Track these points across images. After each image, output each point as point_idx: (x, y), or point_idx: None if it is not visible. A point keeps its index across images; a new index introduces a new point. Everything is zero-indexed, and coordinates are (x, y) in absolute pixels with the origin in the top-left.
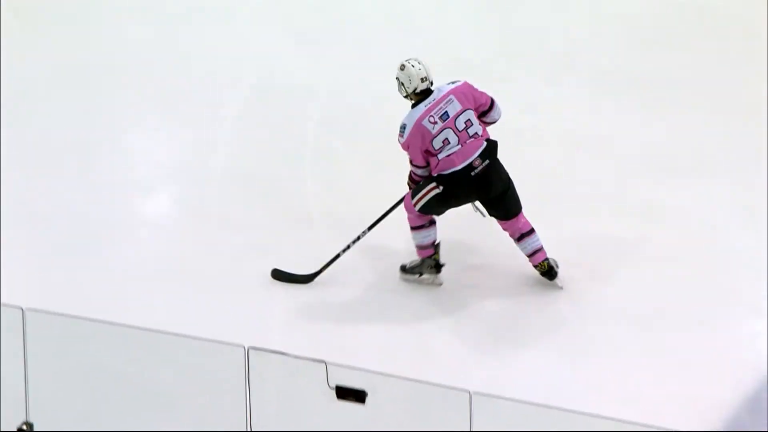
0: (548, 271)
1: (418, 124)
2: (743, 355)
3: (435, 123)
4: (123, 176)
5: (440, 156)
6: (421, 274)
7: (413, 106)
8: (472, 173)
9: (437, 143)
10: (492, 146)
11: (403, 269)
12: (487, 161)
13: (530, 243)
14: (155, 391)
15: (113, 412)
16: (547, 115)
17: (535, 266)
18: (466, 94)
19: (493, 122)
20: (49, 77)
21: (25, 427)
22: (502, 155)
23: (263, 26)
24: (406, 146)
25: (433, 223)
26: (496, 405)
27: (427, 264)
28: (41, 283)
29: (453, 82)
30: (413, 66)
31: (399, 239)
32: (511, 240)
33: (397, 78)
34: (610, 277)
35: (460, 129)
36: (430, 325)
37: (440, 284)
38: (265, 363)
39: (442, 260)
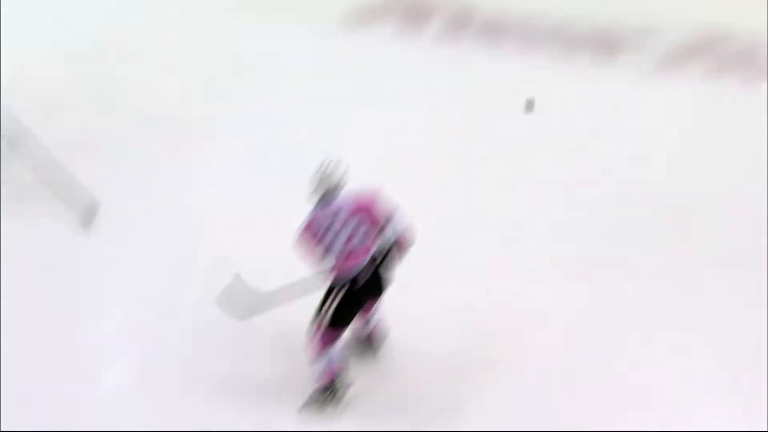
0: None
1: (307, 220)
2: None
3: (323, 220)
4: None
5: (325, 258)
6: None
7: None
8: (355, 288)
9: (319, 248)
10: (375, 272)
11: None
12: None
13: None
14: None
15: None
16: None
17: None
18: (362, 204)
19: (391, 242)
20: None
21: None
22: None
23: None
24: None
25: None
26: None
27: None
28: None
29: None
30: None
31: None
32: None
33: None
34: None
35: (343, 240)
36: None
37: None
38: None
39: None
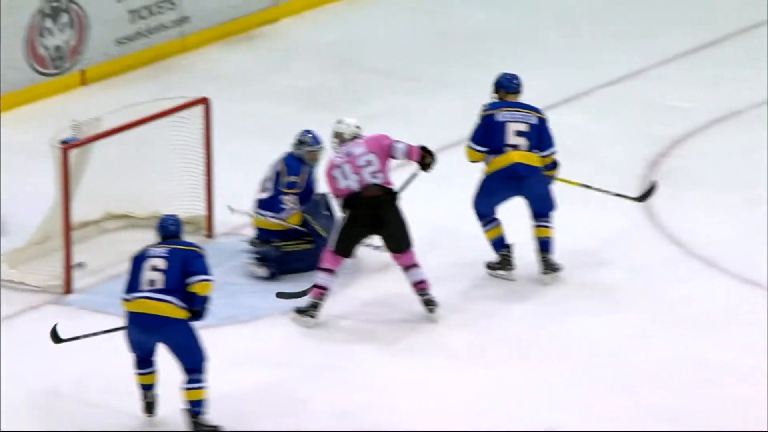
0: (427, 302)
1: (329, 159)
2: None
3: (340, 157)
4: None
5: (340, 186)
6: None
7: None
8: (363, 196)
9: (336, 173)
10: (388, 190)
11: (296, 311)
12: (378, 191)
13: (413, 274)
14: None
15: None
16: None
17: (417, 294)
18: (374, 144)
19: (403, 157)
20: None
21: None
22: None
23: None
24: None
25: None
26: None
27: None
28: None
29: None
30: (350, 119)
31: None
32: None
33: (335, 130)
34: None
35: (360, 165)
36: None
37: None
38: None
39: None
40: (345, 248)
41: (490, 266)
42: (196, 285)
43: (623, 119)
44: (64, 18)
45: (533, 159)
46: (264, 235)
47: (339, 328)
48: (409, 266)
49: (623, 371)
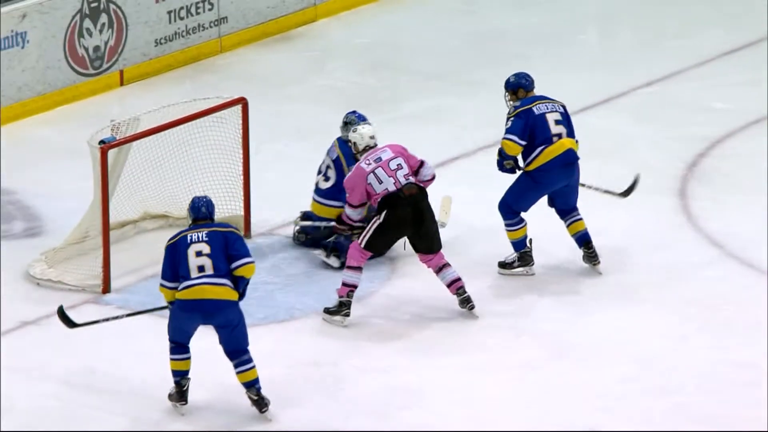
0: (465, 300)
1: (358, 167)
2: None
3: (369, 164)
4: None
5: (378, 191)
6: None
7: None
8: (404, 195)
9: (371, 179)
10: (422, 188)
11: (326, 311)
12: (416, 189)
13: (448, 274)
14: None
15: None
16: None
17: (455, 293)
18: (398, 149)
19: (425, 180)
20: None
21: None
22: None
23: None
24: (349, 186)
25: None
26: None
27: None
28: None
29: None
30: (364, 128)
31: None
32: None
33: (349, 138)
34: None
35: (392, 168)
36: None
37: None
38: None
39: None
40: (380, 247)
41: (505, 265)
42: (243, 268)
43: (660, 121)
44: (103, 18)
45: (576, 145)
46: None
47: (372, 328)
48: (442, 266)
49: (661, 373)
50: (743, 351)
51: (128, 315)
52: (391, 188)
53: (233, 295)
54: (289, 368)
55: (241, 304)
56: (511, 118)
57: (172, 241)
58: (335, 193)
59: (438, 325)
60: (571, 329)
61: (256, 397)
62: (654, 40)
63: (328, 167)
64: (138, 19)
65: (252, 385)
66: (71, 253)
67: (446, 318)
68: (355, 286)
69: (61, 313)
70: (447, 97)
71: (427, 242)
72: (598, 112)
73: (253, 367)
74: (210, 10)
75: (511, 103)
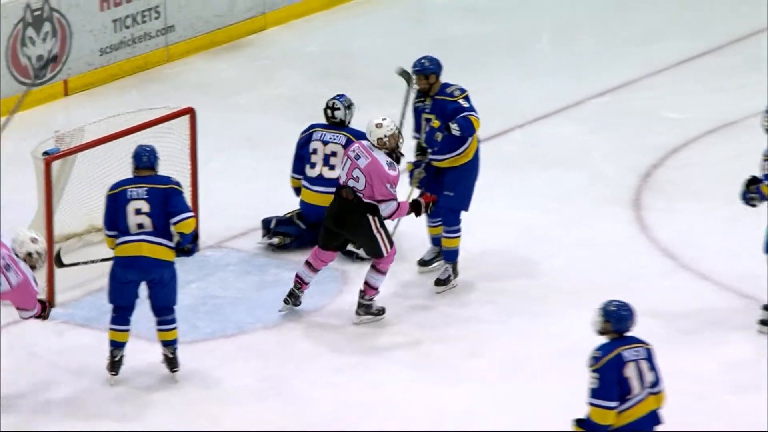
0: (364, 305)
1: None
2: None
3: (354, 154)
4: None
5: (341, 174)
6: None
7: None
8: (340, 191)
9: (346, 163)
10: (358, 201)
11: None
12: (352, 197)
13: (372, 276)
14: None
15: None
16: None
17: (361, 294)
18: (376, 170)
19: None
20: None
21: None
22: None
23: None
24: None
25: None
26: None
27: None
28: None
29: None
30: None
31: None
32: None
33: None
34: None
35: (354, 175)
36: None
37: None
38: None
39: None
40: (320, 239)
41: (443, 282)
42: (182, 224)
43: (615, 130)
44: (47, 27)
45: None
46: (322, 213)
47: (324, 342)
48: (371, 266)
49: None
50: (696, 363)
51: (103, 260)
52: (341, 179)
53: (170, 255)
54: (238, 384)
55: (189, 317)
56: None
57: (112, 192)
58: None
59: (390, 339)
60: (524, 342)
61: (171, 356)
62: (609, 49)
63: (329, 155)
64: (83, 27)
65: (170, 344)
66: None
67: (400, 332)
68: (303, 281)
69: (57, 256)
70: (400, 107)
71: (364, 247)
72: (553, 121)
73: (175, 328)
74: (157, 18)
75: None
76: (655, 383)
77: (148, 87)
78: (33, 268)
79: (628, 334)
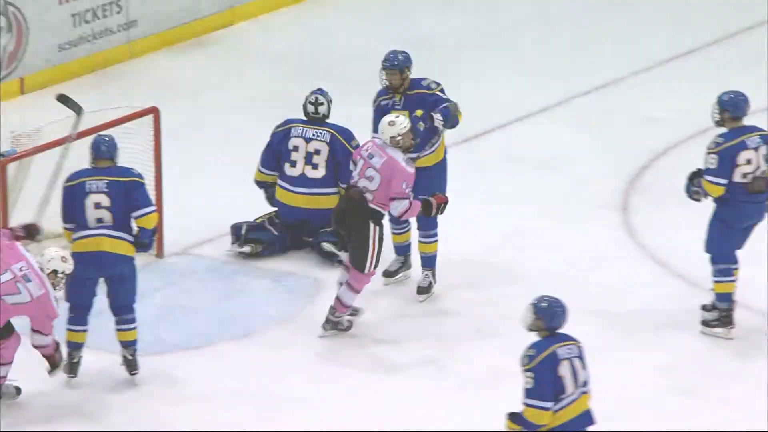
0: (332, 321)
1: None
2: None
3: (365, 152)
4: None
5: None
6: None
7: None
8: (349, 191)
9: (359, 164)
10: (368, 206)
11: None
12: (358, 197)
13: (345, 293)
14: None
15: None
16: None
17: (332, 311)
18: (391, 169)
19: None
20: None
21: None
22: None
23: None
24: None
25: None
26: None
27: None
28: None
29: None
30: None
31: None
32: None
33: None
34: None
35: (367, 175)
36: None
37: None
38: None
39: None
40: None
41: (391, 273)
42: (143, 219)
43: (600, 131)
44: (1, 22)
45: None
46: (302, 216)
47: (293, 353)
48: (344, 282)
49: (599, 399)
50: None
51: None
52: (352, 179)
53: (130, 250)
54: (205, 398)
55: (153, 328)
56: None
57: (69, 184)
58: (326, 182)
59: (362, 351)
60: (507, 351)
61: (131, 358)
62: (594, 46)
63: (314, 153)
64: (40, 22)
65: (130, 345)
66: None
67: (371, 342)
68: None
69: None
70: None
71: (352, 253)
72: (535, 120)
73: (135, 328)
74: (118, 13)
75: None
76: (586, 382)
77: (110, 85)
78: (54, 287)
79: (560, 331)
